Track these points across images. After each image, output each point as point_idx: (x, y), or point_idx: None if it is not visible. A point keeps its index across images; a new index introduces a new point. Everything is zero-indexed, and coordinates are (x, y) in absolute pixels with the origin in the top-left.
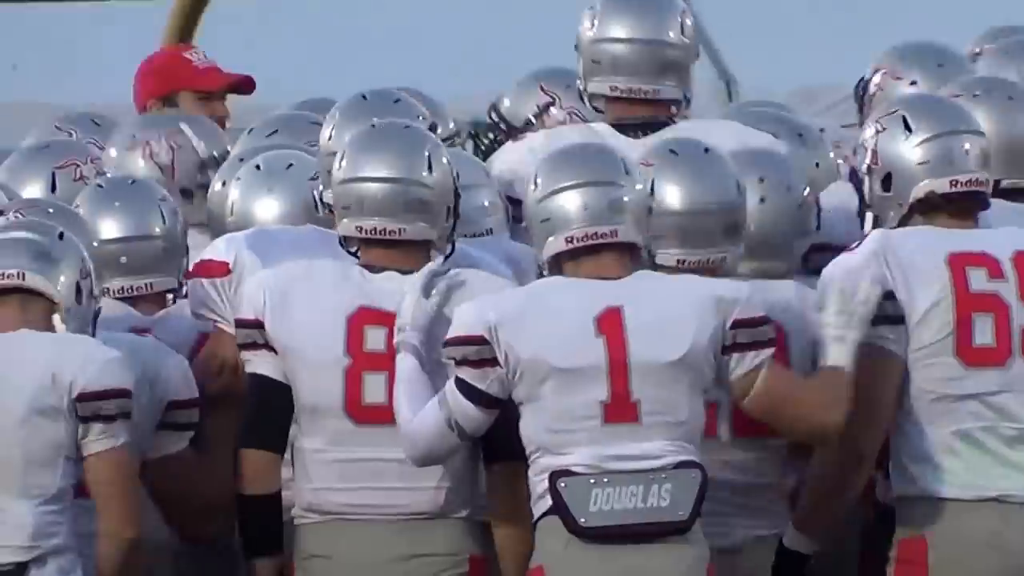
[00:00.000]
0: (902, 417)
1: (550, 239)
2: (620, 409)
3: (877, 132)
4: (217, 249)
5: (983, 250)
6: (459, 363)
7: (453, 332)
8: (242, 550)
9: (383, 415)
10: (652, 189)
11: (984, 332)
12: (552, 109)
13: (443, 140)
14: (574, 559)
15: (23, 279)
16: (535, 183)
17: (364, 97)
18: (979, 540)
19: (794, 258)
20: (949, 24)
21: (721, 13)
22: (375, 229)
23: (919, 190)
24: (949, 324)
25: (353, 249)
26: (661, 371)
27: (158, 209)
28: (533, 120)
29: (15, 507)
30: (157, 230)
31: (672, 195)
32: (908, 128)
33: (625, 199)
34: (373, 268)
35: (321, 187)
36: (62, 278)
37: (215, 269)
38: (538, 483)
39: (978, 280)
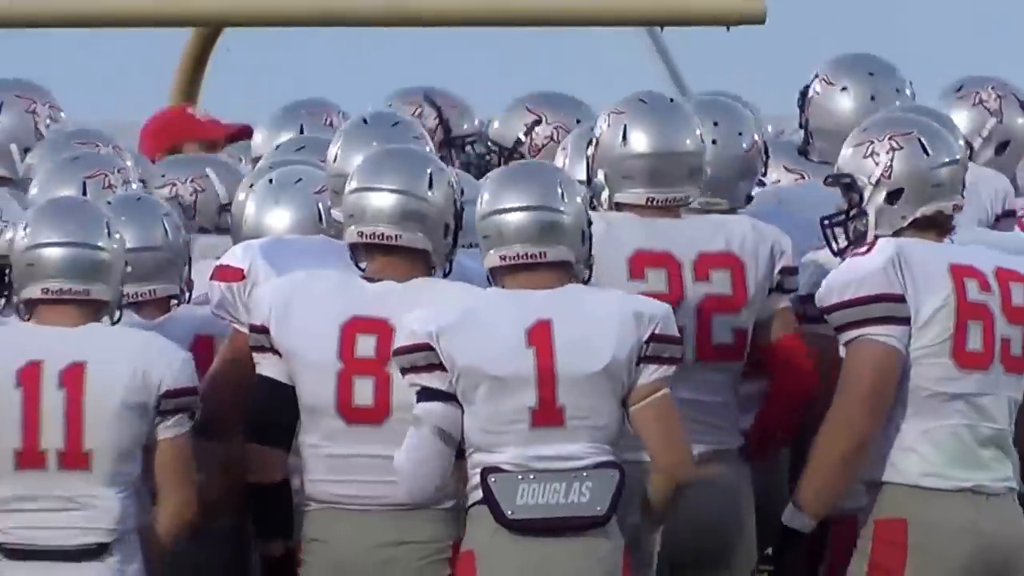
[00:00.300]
0: (893, 409)
1: (490, 252)
2: (547, 414)
3: (893, 150)
4: (234, 255)
5: (971, 264)
6: (410, 370)
7: (400, 342)
8: (255, 533)
9: (370, 415)
10: (625, 135)
11: (975, 338)
12: (538, 127)
13: (467, 137)
14: (500, 546)
15: (89, 295)
16: (482, 199)
17: (365, 121)
18: (956, 525)
19: (738, 197)
20: (902, 59)
21: (687, 45)
22: (374, 234)
23: (929, 208)
24: (949, 329)
25: (361, 263)
26: (585, 381)
27: (161, 223)
28: (522, 138)
29: (104, 493)
30: (160, 242)
31: (641, 139)
32: (926, 152)
33: (559, 222)
34: (372, 279)
35: (328, 202)
36: (115, 278)
37: (231, 275)
38: (471, 476)
39: (972, 290)
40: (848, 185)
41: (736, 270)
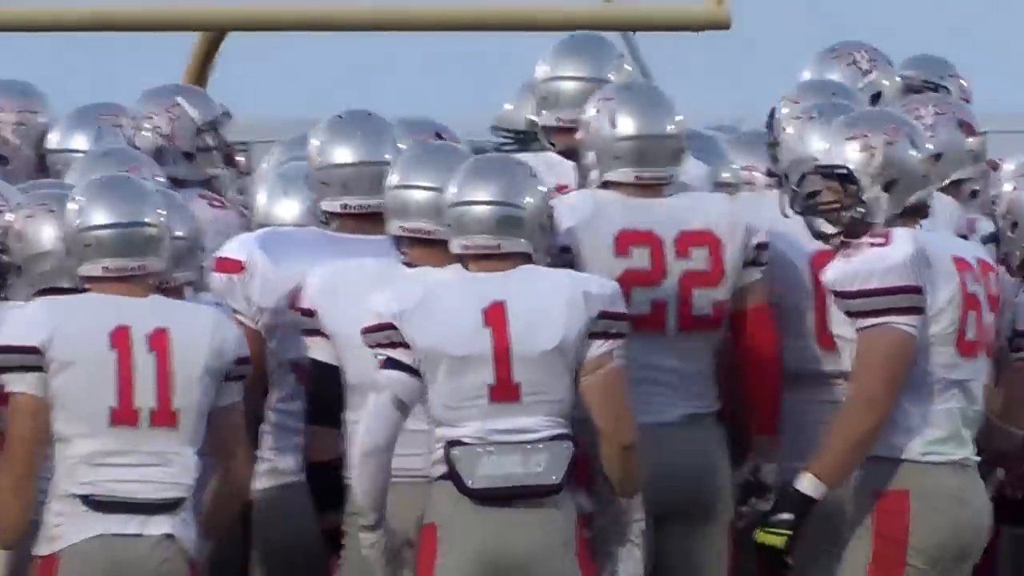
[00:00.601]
0: (901, 392)
1: (454, 240)
2: (504, 390)
3: (888, 143)
4: (232, 248)
5: (964, 255)
6: (376, 346)
7: (366, 323)
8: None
9: None
10: (614, 121)
11: (971, 328)
12: None
13: None
14: (462, 515)
15: (146, 269)
16: (450, 190)
17: (341, 117)
18: (949, 494)
19: None
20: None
21: (661, 49)
22: (414, 229)
23: (917, 197)
24: (956, 320)
25: (403, 249)
26: (538, 359)
27: (179, 214)
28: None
29: (186, 451)
30: (180, 232)
31: (629, 123)
32: (915, 145)
33: (517, 217)
34: (412, 265)
35: (315, 196)
36: (165, 247)
37: (231, 266)
38: (435, 450)
39: (970, 282)
40: (845, 176)
41: (713, 247)
